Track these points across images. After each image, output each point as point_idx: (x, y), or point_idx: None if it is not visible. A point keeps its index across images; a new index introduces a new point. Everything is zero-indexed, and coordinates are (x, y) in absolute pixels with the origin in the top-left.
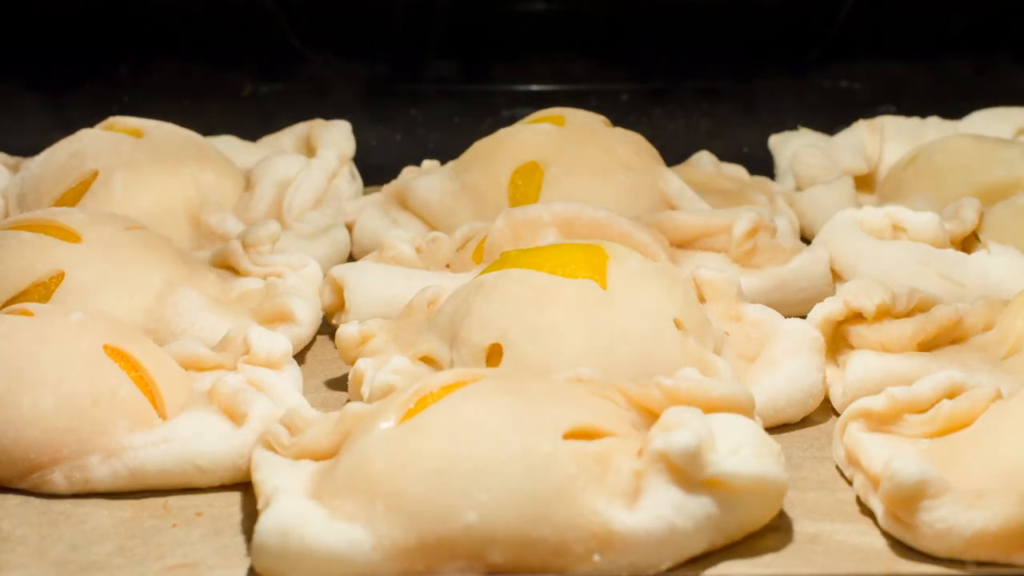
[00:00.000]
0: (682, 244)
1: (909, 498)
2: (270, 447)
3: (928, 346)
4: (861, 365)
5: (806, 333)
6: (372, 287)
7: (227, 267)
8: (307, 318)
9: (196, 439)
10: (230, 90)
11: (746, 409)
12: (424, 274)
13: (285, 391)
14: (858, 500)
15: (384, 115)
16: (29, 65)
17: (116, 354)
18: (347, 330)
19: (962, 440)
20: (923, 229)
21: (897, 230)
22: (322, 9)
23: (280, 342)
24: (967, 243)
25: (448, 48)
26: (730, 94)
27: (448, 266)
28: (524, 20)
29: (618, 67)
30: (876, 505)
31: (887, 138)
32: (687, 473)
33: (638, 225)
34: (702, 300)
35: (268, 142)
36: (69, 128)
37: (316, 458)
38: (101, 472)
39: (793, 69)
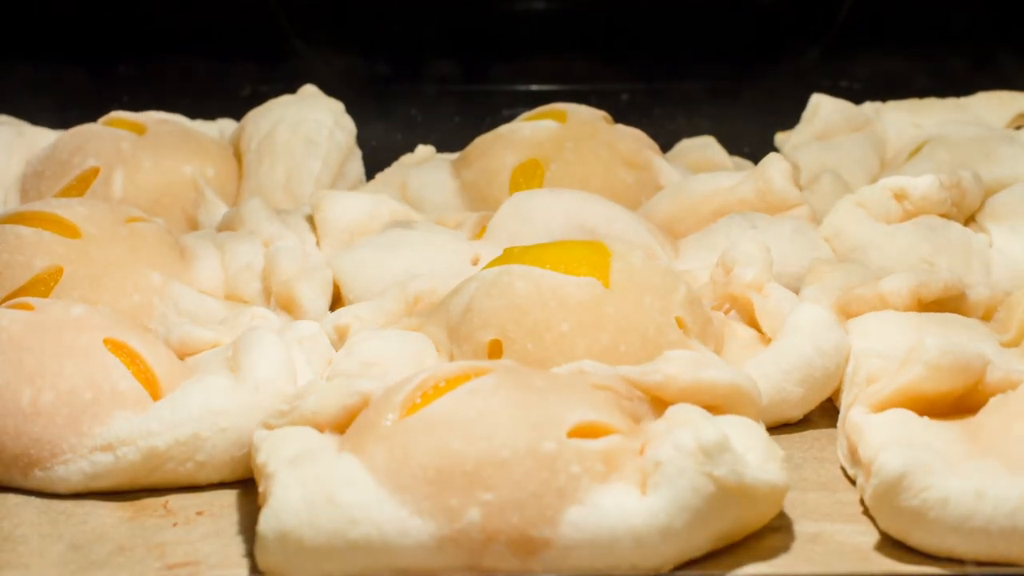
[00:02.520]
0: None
1: (896, 491)
2: (270, 428)
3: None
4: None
5: (821, 314)
6: (368, 272)
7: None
8: (317, 308)
9: (196, 428)
10: (230, 90)
11: (751, 396)
12: (417, 245)
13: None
14: (861, 501)
15: (384, 115)
16: (29, 65)
17: (117, 347)
18: (323, 327)
19: (970, 428)
20: (924, 195)
21: (901, 200)
22: (322, 9)
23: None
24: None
25: (448, 48)
26: (730, 94)
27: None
28: (524, 20)
29: (618, 67)
30: (869, 500)
31: (886, 110)
32: (708, 469)
33: (640, 219)
34: (727, 272)
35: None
36: (69, 128)
37: (318, 428)
38: (101, 468)
39: (793, 69)
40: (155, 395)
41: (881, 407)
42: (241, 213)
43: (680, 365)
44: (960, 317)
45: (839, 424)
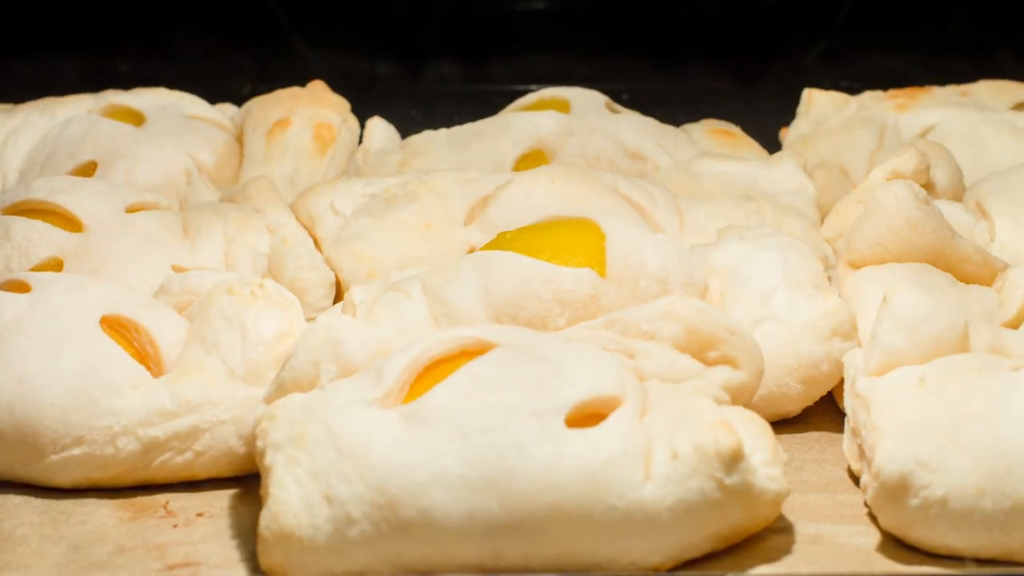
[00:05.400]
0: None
1: (896, 492)
2: (268, 402)
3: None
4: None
5: (842, 321)
6: (367, 268)
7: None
8: (324, 308)
9: (195, 420)
10: (230, 89)
11: (749, 348)
12: (415, 238)
13: None
14: (865, 503)
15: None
16: (29, 65)
17: (114, 327)
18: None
19: (971, 410)
20: (915, 168)
21: (897, 177)
22: (322, 9)
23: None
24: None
25: (448, 48)
26: (730, 94)
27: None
28: (524, 20)
29: (618, 67)
30: (870, 500)
31: (884, 98)
32: (720, 476)
33: (644, 188)
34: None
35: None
36: None
37: (309, 384)
38: (100, 458)
39: (794, 68)
40: (158, 369)
41: (880, 371)
42: (248, 191)
43: (684, 301)
44: (964, 289)
45: (847, 418)
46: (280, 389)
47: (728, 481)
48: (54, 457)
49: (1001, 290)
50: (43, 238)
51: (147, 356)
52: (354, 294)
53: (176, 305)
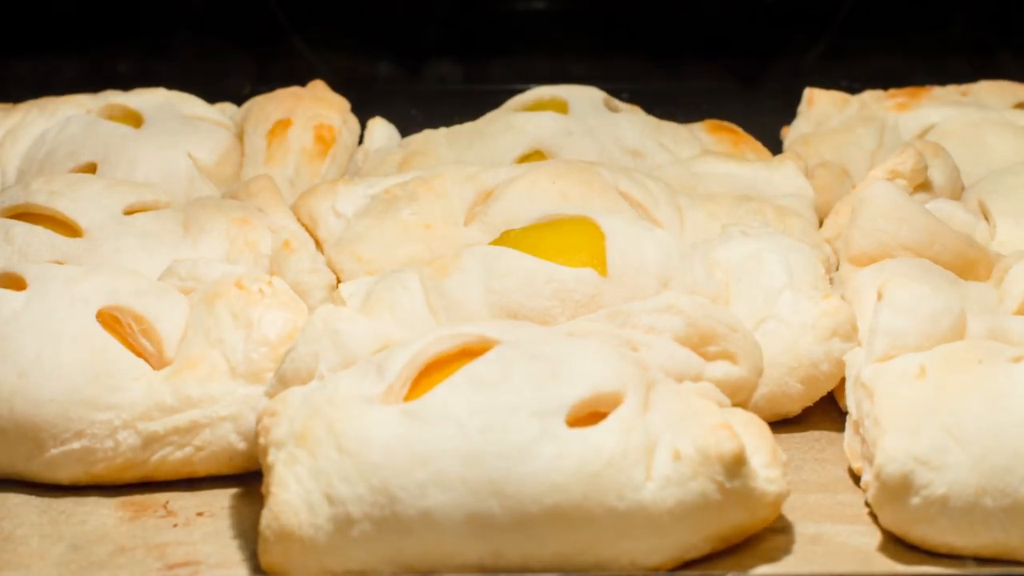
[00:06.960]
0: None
1: (897, 492)
2: (271, 396)
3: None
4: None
5: (842, 321)
6: (369, 269)
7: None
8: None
9: (195, 416)
10: (230, 89)
11: (748, 345)
12: (417, 241)
13: None
14: (866, 502)
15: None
16: (29, 65)
17: (112, 319)
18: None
19: (972, 405)
20: (914, 167)
21: (896, 177)
22: (322, 9)
23: None
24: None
25: (448, 48)
26: (730, 94)
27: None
28: (524, 20)
29: (618, 67)
30: (871, 499)
31: (884, 97)
32: (721, 480)
33: (638, 178)
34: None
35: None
36: None
37: (307, 378)
38: (100, 453)
39: (794, 68)
40: (159, 358)
41: (884, 357)
42: (251, 189)
43: (686, 296)
44: (962, 281)
45: (848, 416)
46: (281, 382)
47: (729, 486)
48: (54, 451)
49: (1000, 284)
50: (44, 243)
51: (145, 347)
52: (343, 289)
53: (181, 290)
